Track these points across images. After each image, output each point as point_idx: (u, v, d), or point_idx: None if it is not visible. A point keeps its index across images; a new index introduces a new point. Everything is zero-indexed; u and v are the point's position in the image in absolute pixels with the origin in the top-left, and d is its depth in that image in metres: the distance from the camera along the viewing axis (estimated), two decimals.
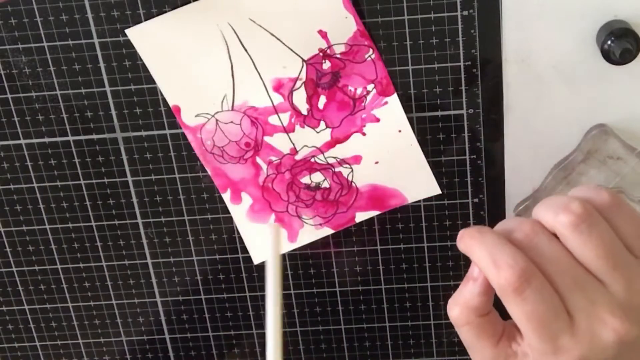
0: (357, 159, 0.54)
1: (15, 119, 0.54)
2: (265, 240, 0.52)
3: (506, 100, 0.52)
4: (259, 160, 0.54)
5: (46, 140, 0.54)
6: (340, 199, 0.55)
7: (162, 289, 0.59)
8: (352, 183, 0.54)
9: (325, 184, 0.55)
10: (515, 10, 0.50)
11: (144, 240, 0.57)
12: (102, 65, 0.52)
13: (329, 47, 0.51)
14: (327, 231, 0.56)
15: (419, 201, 0.55)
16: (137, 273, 0.58)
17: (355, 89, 0.52)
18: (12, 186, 0.56)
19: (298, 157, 0.54)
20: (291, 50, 0.51)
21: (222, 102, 0.52)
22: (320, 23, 0.50)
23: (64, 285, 0.59)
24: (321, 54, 0.51)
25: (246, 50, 0.51)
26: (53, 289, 0.59)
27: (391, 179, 0.54)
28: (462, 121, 0.53)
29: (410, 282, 0.58)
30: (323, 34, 0.50)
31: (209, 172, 0.54)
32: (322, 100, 0.52)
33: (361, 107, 0.52)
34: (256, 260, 0.57)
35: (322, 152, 0.54)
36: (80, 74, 0.52)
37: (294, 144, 0.53)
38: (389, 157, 0.54)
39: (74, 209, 0.57)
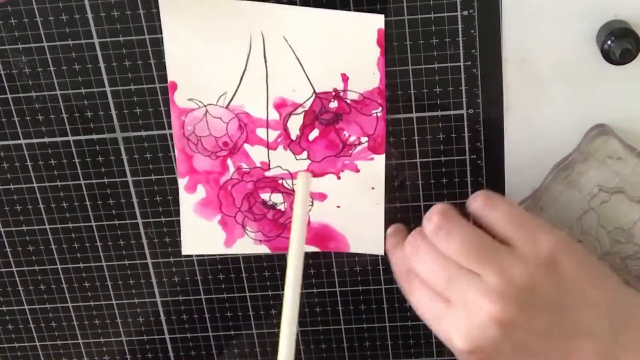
0: (322, 197, 0.54)
1: (15, 119, 0.54)
2: (295, 189, 0.54)
3: (506, 100, 0.52)
4: (229, 162, 0.54)
5: (46, 140, 0.54)
6: (289, 225, 0.54)
7: (162, 289, 0.59)
8: (307, 216, 0.54)
9: (281, 207, 0.55)
10: (515, 10, 0.50)
11: (144, 240, 0.57)
12: (102, 65, 0.52)
13: (344, 91, 0.51)
14: (264, 249, 0.56)
15: (419, 201, 0.55)
16: (137, 273, 0.58)
17: (350, 136, 0.52)
18: (12, 186, 0.56)
19: (268, 173, 0.54)
20: (307, 78, 0.51)
21: (220, 97, 0.52)
22: (347, 69, 0.51)
23: (64, 285, 0.59)
24: (334, 93, 0.51)
25: (265, 61, 0.51)
26: (53, 289, 0.59)
27: (344, 226, 0.55)
28: (462, 121, 0.53)
29: None
30: (345, 78, 0.51)
31: (176, 154, 0.54)
32: (315, 133, 0.52)
33: (347, 153, 0.53)
34: (185, 251, 0.57)
35: (292, 179, 0.54)
36: (80, 74, 0.52)
37: (269, 161, 0.53)
38: (353, 207, 0.54)
39: (74, 209, 0.57)
